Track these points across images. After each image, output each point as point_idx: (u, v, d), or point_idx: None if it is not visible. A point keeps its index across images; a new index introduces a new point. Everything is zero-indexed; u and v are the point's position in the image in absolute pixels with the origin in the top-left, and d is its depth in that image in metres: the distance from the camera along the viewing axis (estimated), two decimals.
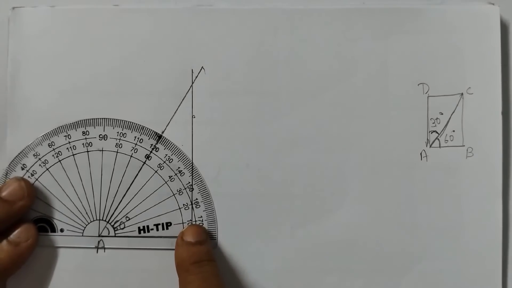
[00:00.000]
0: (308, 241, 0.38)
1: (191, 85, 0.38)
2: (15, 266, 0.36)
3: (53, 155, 0.38)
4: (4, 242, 0.36)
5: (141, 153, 0.38)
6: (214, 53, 0.39)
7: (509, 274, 0.39)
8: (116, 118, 0.38)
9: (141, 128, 0.38)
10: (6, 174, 0.38)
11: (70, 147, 0.38)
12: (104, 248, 0.38)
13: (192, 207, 0.38)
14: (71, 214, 0.38)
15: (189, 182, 0.38)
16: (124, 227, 0.38)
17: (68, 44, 0.39)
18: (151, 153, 0.38)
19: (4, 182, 0.38)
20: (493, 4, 0.39)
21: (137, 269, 0.38)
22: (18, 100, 0.38)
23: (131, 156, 0.38)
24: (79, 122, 0.38)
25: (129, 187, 0.38)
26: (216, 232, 0.38)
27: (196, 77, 0.39)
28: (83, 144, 0.38)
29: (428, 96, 0.39)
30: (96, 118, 0.38)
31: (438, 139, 0.39)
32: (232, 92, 0.38)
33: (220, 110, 0.38)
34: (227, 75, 0.39)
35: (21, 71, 0.38)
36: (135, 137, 0.38)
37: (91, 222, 0.38)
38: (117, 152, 0.38)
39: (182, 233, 0.37)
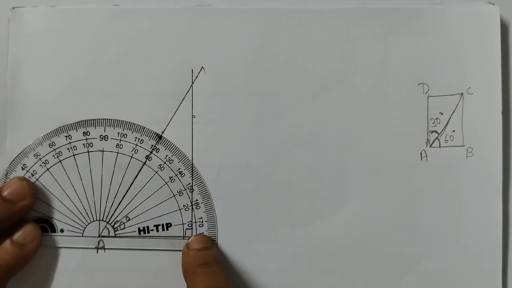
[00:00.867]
0: (308, 241, 0.38)
1: (191, 85, 0.38)
2: (18, 267, 0.36)
3: (53, 155, 0.38)
4: (8, 242, 0.36)
5: (141, 154, 0.38)
6: (214, 53, 0.39)
7: (509, 274, 0.39)
8: (116, 118, 0.38)
9: (141, 129, 0.38)
10: (7, 174, 0.38)
11: (71, 148, 0.38)
12: (104, 249, 0.38)
13: (192, 208, 0.38)
14: (71, 214, 0.38)
15: (189, 183, 0.38)
16: (124, 228, 0.38)
17: (68, 44, 0.39)
18: (152, 154, 0.38)
19: (5, 182, 0.38)
20: (493, 4, 0.39)
21: (137, 269, 0.38)
22: (18, 100, 0.38)
23: (131, 156, 0.38)
24: (80, 122, 0.38)
25: (129, 188, 0.38)
26: (216, 232, 0.38)
27: (196, 77, 0.39)
28: (83, 144, 0.38)
29: (428, 96, 0.39)
30: (97, 119, 0.38)
31: (438, 139, 0.39)
32: (232, 92, 0.38)
33: (220, 110, 0.38)
34: (227, 75, 0.39)
35: (21, 71, 0.38)
36: (136, 137, 0.38)
37: (91, 222, 0.38)
38: (117, 152, 0.38)
39: (187, 243, 0.37)
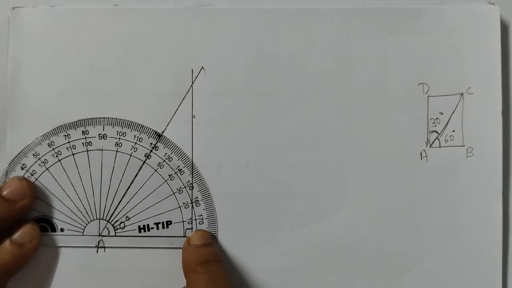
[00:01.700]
0: (308, 241, 0.38)
1: (191, 85, 0.38)
2: (18, 266, 0.36)
3: (52, 155, 0.38)
4: (8, 242, 0.36)
5: (140, 152, 0.38)
6: (214, 53, 0.39)
7: (509, 274, 0.39)
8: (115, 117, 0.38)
9: (140, 127, 0.38)
10: (6, 174, 0.38)
11: (70, 147, 0.38)
12: (104, 248, 0.38)
13: (192, 206, 0.38)
14: (71, 213, 0.38)
15: (189, 181, 0.38)
16: (124, 226, 0.38)
17: (68, 44, 0.39)
18: (151, 152, 0.38)
19: (4, 181, 0.38)
20: (493, 4, 0.39)
21: (137, 268, 0.38)
22: (18, 100, 0.38)
23: (130, 155, 0.38)
24: (79, 121, 0.38)
25: (129, 186, 0.38)
26: (216, 230, 0.38)
27: (196, 77, 0.39)
28: (82, 143, 0.38)
29: (428, 96, 0.39)
30: (96, 118, 0.38)
31: (438, 139, 0.39)
32: (232, 92, 0.38)
33: (220, 110, 0.38)
34: (227, 75, 0.39)
35: (21, 71, 0.38)
36: (135, 136, 0.38)
37: (91, 221, 0.38)
38: (116, 151, 0.38)
39: (188, 238, 0.37)
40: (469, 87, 0.39)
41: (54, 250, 0.38)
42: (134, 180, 0.38)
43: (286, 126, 0.38)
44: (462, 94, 0.39)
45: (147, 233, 0.38)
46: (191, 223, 0.38)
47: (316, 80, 0.38)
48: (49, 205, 0.38)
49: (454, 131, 0.39)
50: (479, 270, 0.38)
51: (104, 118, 0.38)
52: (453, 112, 0.39)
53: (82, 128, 0.38)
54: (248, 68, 0.39)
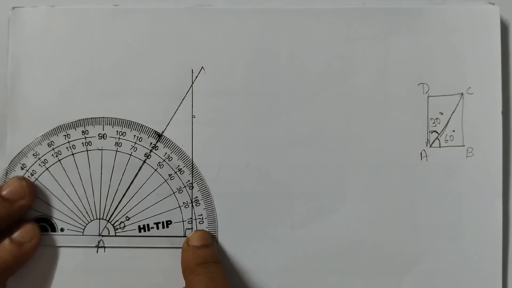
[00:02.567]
0: (308, 241, 0.38)
1: (191, 85, 0.38)
2: (17, 265, 0.36)
3: (52, 155, 0.38)
4: (7, 241, 0.36)
5: (140, 152, 0.38)
6: (214, 53, 0.39)
7: (509, 274, 0.39)
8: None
9: (140, 127, 0.38)
10: (6, 174, 0.38)
11: (70, 147, 0.38)
12: (104, 248, 0.38)
13: (192, 205, 0.38)
14: (71, 213, 0.38)
15: (189, 180, 0.38)
16: (124, 226, 0.38)
17: (68, 44, 0.39)
18: (151, 152, 0.38)
19: (4, 181, 0.38)
20: (493, 4, 0.39)
21: (137, 268, 0.38)
22: (18, 100, 0.38)
23: (130, 155, 0.38)
24: (79, 121, 0.38)
25: (129, 186, 0.38)
26: (216, 230, 0.38)
27: (196, 77, 0.39)
28: (82, 143, 0.38)
29: (428, 96, 0.39)
30: (96, 118, 0.38)
31: (438, 139, 0.39)
32: (232, 92, 0.38)
33: (220, 110, 0.38)
34: (227, 75, 0.39)
35: (21, 71, 0.38)
36: (135, 136, 0.38)
37: (91, 221, 0.38)
38: (116, 151, 0.38)
39: (187, 239, 0.37)
40: (469, 87, 0.39)
41: (54, 250, 0.38)
42: (134, 180, 0.38)
43: (286, 126, 0.38)
44: (462, 94, 0.39)
45: (147, 233, 0.38)
46: (191, 223, 0.38)
47: (316, 80, 0.38)
48: (49, 205, 0.38)
49: (454, 131, 0.39)
50: (479, 270, 0.38)
51: (104, 118, 0.38)
52: (453, 112, 0.39)
53: (82, 128, 0.38)
54: (248, 68, 0.39)
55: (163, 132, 0.38)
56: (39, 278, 0.38)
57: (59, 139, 0.38)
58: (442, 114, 0.39)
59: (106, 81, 0.38)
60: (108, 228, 0.38)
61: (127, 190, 0.38)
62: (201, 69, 0.39)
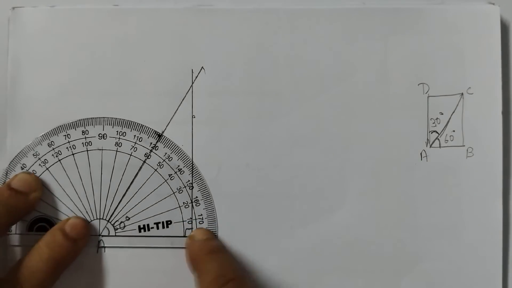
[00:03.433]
0: (308, 241, 0.38)
1: (191, 85, 0.38)
2: (71, 261, 0.37)
3: (52, 155, 0.38)
4: (61, 236, 0.36)
5: (140, 152, 0.38)
6: (214, 53, 0.39)
7: (509, 274, 0.39)
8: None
9: (140, 127, 0.38)
10: (6, 174, 0.38)
11: (70, 147, 0.38)
12: (104, 248, 0.38)
13: (192, 205, 0.38)
14: (71, 213, 0.38)
15: (189, 180, 0.38)
16: (124, 226, 0.38)
17: (68, 44, 0.39)
18: (151, 152, 0.38)
19: (4, 181, 0.38)
20: (493, 4, 0.39)
21: (137, 268, 0.38)
22: (18, 100, 0.38)
23: (130, 155, 0.38)
24: (79, 121, 0.38)
25: (129, 186, 0.38)
26: (216, 230, 0.38)
27: (196, 77, 0.39)
28: (82, 143, 0.38)
29: (428, 96, 0.39)
30: (96, 118, 0.38)
31: (438, 139, 0.39)
32: (232, 92, 0.38)
33: (220, 110, 0.38)
34: (227, 75, 0.39)
35: (21, 71, 0.38)
36: (135, 136, 0.38)
37: (91, 221, 0.38)
38: (116, 151, 0.38)
39: (191, 236, 0.37)
40: (469, 87, 0.39)
41: None
42: (134, 180, 0.38)
43: (286, 126, 0.38)
44: (462, 94, 0.39)
45: (147, 233, 0.38)
46: (191, 223, 0.38)
47: (316, 80, 0.38)
48: (49, 205, 0.38)
49: (454, 131, 0.39)
50: (479, 270, 0.38)
51: (104, 118, 0.38)
52: (453, 112, 0.39)
53: (82, 128, 0.38)
54: (248, 68, 0.39)
55: (163, 132, 0.38)
56: None
57: (59, 139, 0.38)
58: (442, 114, 0.39)
59: (106, 81, 0.38)
60: (108, 228, 0.38)
61: (127, 190, 0.38)
62: (201, 69, 0.39)
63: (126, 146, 0.38)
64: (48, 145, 0.38)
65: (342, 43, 0.39)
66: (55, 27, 0.39)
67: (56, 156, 0.38)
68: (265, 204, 0.38)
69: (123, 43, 0.39)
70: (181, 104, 0.38)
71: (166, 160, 0.38)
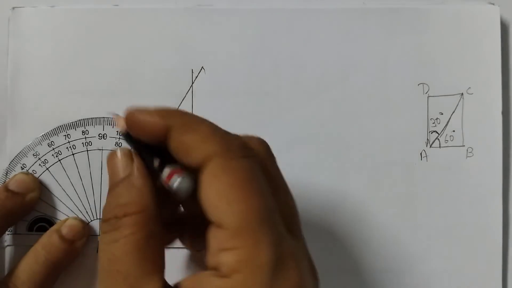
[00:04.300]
0: (308, 241, 0.38)
1: (191, 85, 0.38)
2: (69, 263, 0.37)
3: (52, 155, 0.38)
4: (57, 238, 0.36)
5: None
6: (214, 53, 0.39)
7: (509, 274, 0.39)
8: None
9: None
10: (6, 174, 0.38)
11: (70, 147, 0.38)
12: None
13: None
14: (71, 213, 0.38)
15: None
16: None
17: (68, 44, 0.38)
18: None
19: (4, 181, 0.38)
20: (493, 4, 0.39)
21: None
22: (18, 100, 0.38)
23: None
24: (79, 121, 0.38)
25: None
26: None
27: (196, 77, 0.39)
28: (82, 143, 0.38)
29: (428, 96, 0.39)
30: (96, 118, 0.38)
31: (438, 139, 0.39)
32: (232, 92, 0.38)
33: (220, 110, 0.38)
34: (227, 75, 0.39)
35: (21, 71, 0.38)
36: None
37: (91, 221, 0.38)
38: None
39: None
40: (469, 87, 0.39)
41: None
42: None
43: (286, 126, 0.38)
44: (462, 94, 0.39)
45: None
46: None
47: (316, 80, 0.38)
48: (49, 205, 0.38)
49: (454, 131, 0.39)
50: (479, 270, 0.38)
51: (104, 118, 0.38)
52: (453, 112, 0.39)
53: (82, 128, 0.38)
54: (248, 68, 0.39)
55: None
56: None
57: (59, 139, 0.38)
58: (442, 114, 0.39)
59: (106, 81, 0.38)
60: None
61: None
62: (201, 69, 0.39)
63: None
64: (48, 145, 0.38)
65: (342, 43, 0.39)
66: (55, 27, 0.39)
67: (56, 156, 0.38)
68: None
69: (123, 43, 0.39)
70: (181, 104, 0.38)
71: None
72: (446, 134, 0.39)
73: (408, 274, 0.38)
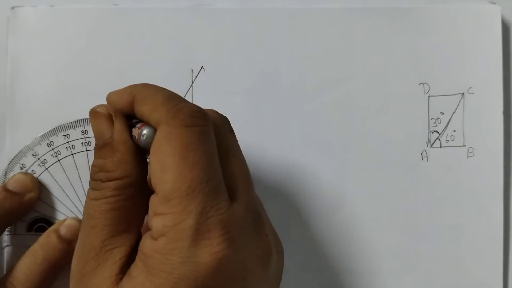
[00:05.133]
0: (308, 241, 0.38)
1: (191, 85, 0.38)
2: (67, 263, 0.36)
3: (52, 155, 0.38)
4: (55, 238, 0.36)
5: None
6: (214, 53, 0.39)
7: (509, 274, 0.39)
8: None
9: None
10: (6, 174, 0.38)
11: (69, 147, 0.38)
12: None
13: None
14: (70, 214, 0.38)
15: None
16: None
17: (67, 44, 0.38)
18: None
19: (4, 181, 0.37)
20: (494, 3, 0.39)
21: None
22: (17, 100, 0.38)
23: None
24: (78, 121, 0.38)
25: None
26: None
27: (196, 77, 0.38)
28: (82, 143, 0.38)
29: (429, 96, 0.39)
30: None
31: (439, 139, 0.38)
32: (232, 92, 0.38)
33: (220, 110, 0.38)
34: (227, 75, 0.38)
35: (20, 70, 0.38)
36: None
37: None
38: None
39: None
40: (470, 87, 0.39)
41: None
42: None
43: (286, 126, 0.38)
44: (463, 94, 0.39)
45: None
46: None
47: (316, 80, 0.38)
48: (48, 205, 0.38)
49: (455, 131, 0.39)
50: (480, 270, 0.38)
51: None
52: (454, 112, 0.39)
53: (82, 128, 0.38)
54: (248, 68, 0.38)
55: None
56: None
57: (58, 139, 0.38)
58: (443, 114, 0.39)
59: (106, 81, 0.38)
60: None
61: None
62: (201, 69, 0.38)
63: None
64: (48, 145, 0.38)
65: (342, 43, 0.39)
66: (55, 26, 0.38)
67: (56, 156, 0.38)
68: (265, 204, 0.38)
69: (123, 43, 0.38)
70: None
71: None
72: (447, 134, 0.38)
73: (409, 274, 0.38)
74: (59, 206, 0.38)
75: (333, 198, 0.38)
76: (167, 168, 0.26)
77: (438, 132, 0.38)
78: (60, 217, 0.38)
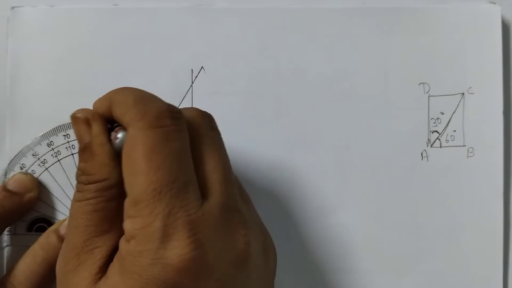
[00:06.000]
0: (308, 241, 0.38)
1: (191, 85, 0.38)
2: None
3: (52, 155, 0.38)
4: (55, 238, 0.36)
5: None
6: (214, 53, 0.39)
7: (509, 274, 0.39)
8: None
9: None
10: (6, 174, 0.38)
11: (69, 147, 0.38)
12: None
13: None
14: None
15: None
16: None
17: (67, 44, 0.38)
18: None
19: (4, 181, 0.37)
20: (494, 3, 0.39)
21: None
22: (17, 100, 0.38)
23: None
24: None
25: None
26: None
27: (196, 77, 0.38)
28: None
29: (429, 96, 0.38)
30: None
31: (439, 139, 0.38)
32: (232, 92, 0.38)
33: (220, 110, 0.38)
34: (227, 75, 0.38)
35: (20, 70, 0.38)
36: None
37: None
38: None
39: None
40: (470, 87, 0.39)
41: None
42: None
43: (286, 126, 0.38)
44: (463, 94, 0.38)
45: None
46: None
47: (316, 80, 0.38)
48: (48, 205, 0.38)
49: (455, 131, 0.38)
50: (480, 270, 0.38)
51: None
52: (454, 112, 0.39)
53: None
54: (248, 68, 0.38)
55: None
56: None
57: (58, 139, 0.38)
58: (443, 114, 0.39)
59: (106, 81, 0.38)
60: None
61: None
62: (201, 69, 0.38)
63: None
64: (48, 145, 0.38)
65: (342, 43, 0.39)
66: (55, 26, 0.38)
67: (56, 156, 0.38)
68: (264, 204, 0.38)
69: (123, 43, 0.38)
70: (181, 104, 0.38)
71: None
72: (447, 134, 0.38)
73: (408, 274, 0.38)
74: (59, 206, 0.38)
75: (333, 198, 0.38)
76: (134, 171, 0.27)
77: (438, 132, 0.38)
78: (60, 217, 0.38)
